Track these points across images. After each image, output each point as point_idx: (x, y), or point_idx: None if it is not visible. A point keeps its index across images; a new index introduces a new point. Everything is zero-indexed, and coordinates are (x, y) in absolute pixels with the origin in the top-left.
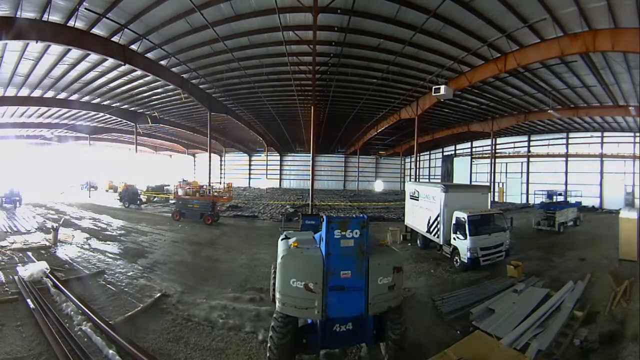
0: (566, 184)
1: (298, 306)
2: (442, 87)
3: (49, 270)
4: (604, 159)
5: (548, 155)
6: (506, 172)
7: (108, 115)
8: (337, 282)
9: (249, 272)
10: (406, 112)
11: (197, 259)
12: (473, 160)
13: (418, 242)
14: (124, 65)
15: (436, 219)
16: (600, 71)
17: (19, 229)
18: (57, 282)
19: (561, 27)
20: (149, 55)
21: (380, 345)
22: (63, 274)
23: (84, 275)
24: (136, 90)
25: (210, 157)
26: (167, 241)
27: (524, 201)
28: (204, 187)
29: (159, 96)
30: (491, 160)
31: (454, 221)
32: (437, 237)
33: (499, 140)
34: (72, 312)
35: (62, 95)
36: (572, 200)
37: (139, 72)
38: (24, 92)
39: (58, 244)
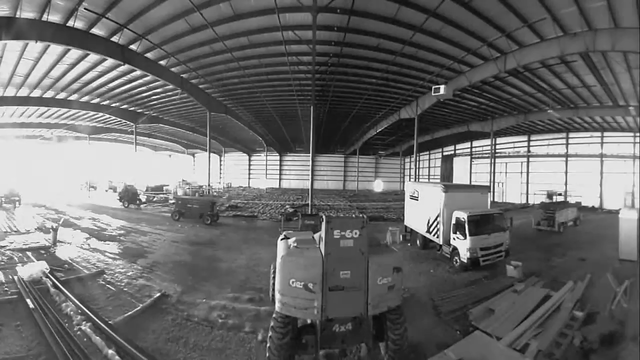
0: (566, 184)
1: (297, 306)
2: (442, 87)
3: (48, 270)
4: (604, 159)
5: (548, 155)
6: (506, 172)
7: (108, 115)
8: (336, 282)
9: (248, 272)
10: (406, 111)
11: (196, 258)
12: (473, 160)
13: (418, 242)
14: (124, 65)
15: (436, 219)
16: (600, 71)
17: (18, 229)
18: (56, 282)
19: (561, 27)
20: (148, 55)
21: (380, 345)
22: (63, 274)
23: (83, 275)
24: (136, 90)
25: (209, 157)
26: (167, 241)
27: (524, 201)
28: (204, 187)
29: (158, 96)
30: (491, 160)
31: (453, 221)
32: (437, 237)
33: (498, 140)
34: (71, 312)
35: (62, 95)
36: (571, 200)
37: (138, 72)
38: (24, 92)
39: (57, 244)
